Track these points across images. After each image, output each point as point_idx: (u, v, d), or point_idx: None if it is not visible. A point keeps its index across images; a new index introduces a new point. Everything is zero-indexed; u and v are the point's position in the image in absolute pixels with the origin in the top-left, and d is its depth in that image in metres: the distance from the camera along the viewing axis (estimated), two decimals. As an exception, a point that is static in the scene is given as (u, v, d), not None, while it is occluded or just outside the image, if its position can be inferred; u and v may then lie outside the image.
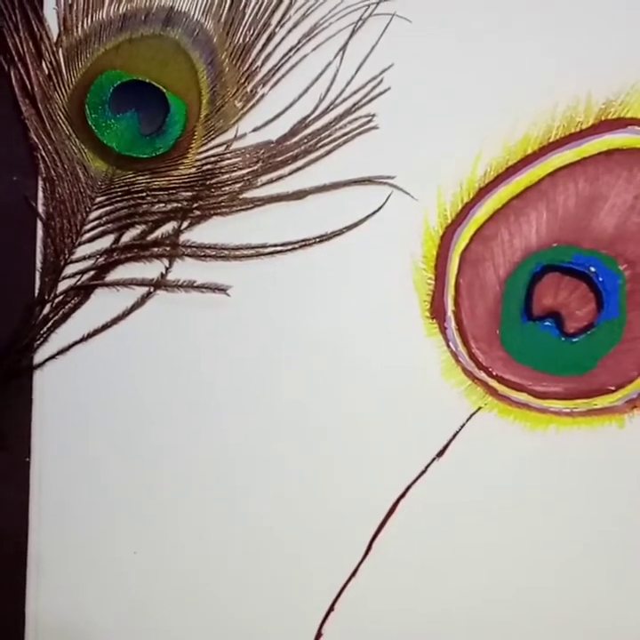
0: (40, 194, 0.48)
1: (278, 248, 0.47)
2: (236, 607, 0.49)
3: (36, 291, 0.48)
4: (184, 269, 0.48)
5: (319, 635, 0.48)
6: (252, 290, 0.48)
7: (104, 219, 0.48)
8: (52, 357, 0.49)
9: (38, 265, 0.48)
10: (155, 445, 0.50)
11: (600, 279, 0.46)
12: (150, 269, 0.48)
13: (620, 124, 0.46)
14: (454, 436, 0.47)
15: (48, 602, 0.50)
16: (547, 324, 0.47)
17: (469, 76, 0.47)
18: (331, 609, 0.49)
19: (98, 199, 0.48)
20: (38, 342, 0.48)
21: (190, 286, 0.47)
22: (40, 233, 0.48)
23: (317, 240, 0.47)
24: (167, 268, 0.48)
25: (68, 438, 0.50)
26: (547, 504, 0.48)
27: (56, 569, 0.50)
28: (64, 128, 0.48)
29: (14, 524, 0.49)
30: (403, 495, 0.48)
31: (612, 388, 0.46)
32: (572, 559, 0.48)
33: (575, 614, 0.49)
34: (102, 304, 0.48)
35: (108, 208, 0.48)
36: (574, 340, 0.47)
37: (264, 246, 0.47)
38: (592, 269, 0.46)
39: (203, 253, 0.47)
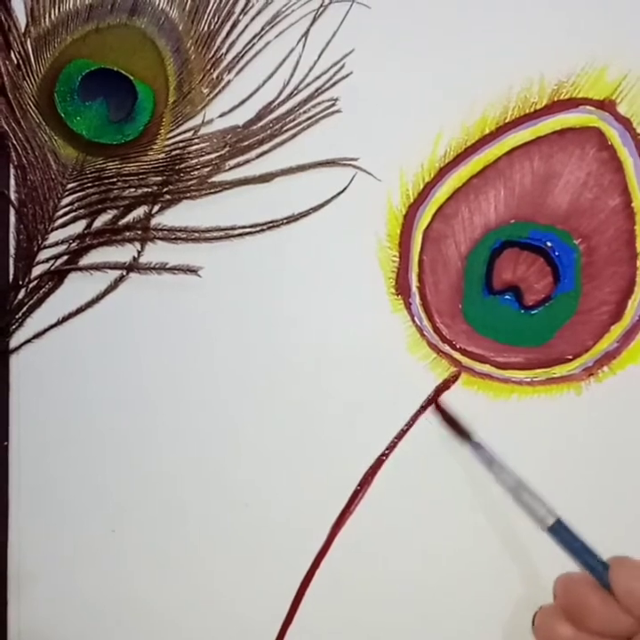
0: (12, 181, 0.49)
1: (247, 230, 0.49)
2: (216, 581, 0.51)
3: (11, 276, 0.49)
4: (156, 252, 0.50)
5: (299, 598, 0.50)
6: (223, 271, 0.50)
7: (76, 204, 0.49)
8: (28, 342, 0.50)
9: (12, 251, 0.49)
10: (132, 426, 0.51)
11: (556, 253, 0.49)
12: (122, 253, 0.50)
13: (571, 104, 0.49)
14: (421, 407, 0.49)
15: (29, 584, 0.51)
16: (507, 297, 0.49)
17: (428, 59, 0.50)
18: (308, 579, 0.50)
19: (69, 185, 0.49)
20: (14, 327, 0.50)
21: (162, 268, 0.49)
22: (13, 219, 0.49)
23: (285, 221, 0.49)
24: (139, 252, 0.49)
25: (46, 421, 0.52)
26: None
27: (36, 552, 0.52)
28: (34, 116, 0.49)
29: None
30: (374, 467, 0.50)
31: (570, 357, 0.49)
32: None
33: (540, 583, 0.51)
34: (76, 288, 0.50)
35: (79, 194, 0.49)
36: (533, 312, 0.49)
37: (233, 228, 0.49)
38: (548, 244, 0.49)
39: (174, 236, 0.49)
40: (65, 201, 0.50)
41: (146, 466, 0.51)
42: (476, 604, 0.51)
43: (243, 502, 0.51)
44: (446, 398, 0.50)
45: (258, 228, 0.50)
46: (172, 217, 0.50)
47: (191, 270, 0.49)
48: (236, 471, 0.51)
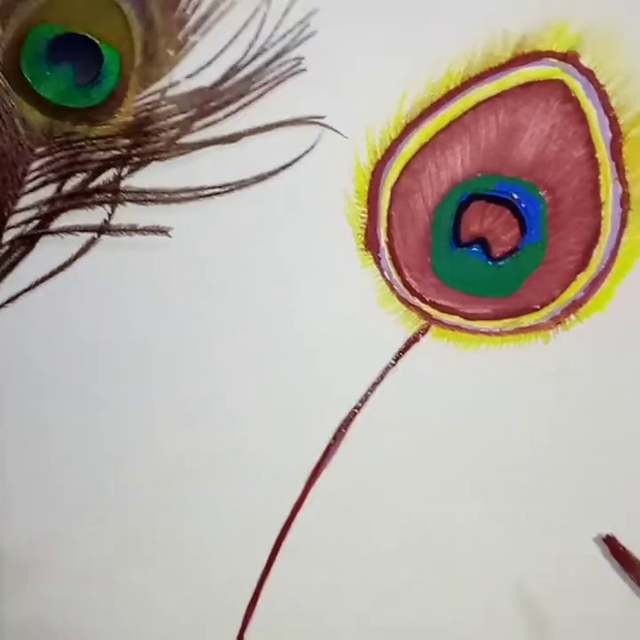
0: (-20, 147, 0.49)
1: (216, 190, 0.50)
2: (192, 535, 0.52)
3: (-17, 242, 0.50)
4: (126, 214, 0.50)
5: (275, 551, 0.51)
6: (193, 232, 0.50)
7: (45, 169, 0.50)
8: (1, 306, 0.50)
9: (-17, 217, 0.49)
10: (106, 388, 0.52)
11: (522, 205, 0.50)
12: (93, 216, 0.50)
13: (535, 57, 0.50)
14: (392, 359, 0.50)
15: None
16: (474, 249, 0.50)
17: (392, 17, 0.50)
18: (284, 532, 0.51)
19: (38, 150, 0.50)
20: (-13, 292, 0.50)
21: (133, 230, 0.49)
22: (-17, 186, 0.49)
23: (254, 180, 0.50)
24: (110, 214, 0.50)
25: (20, 387, 0.52)
26: (481, 419, 0.51)
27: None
28: (1, 82, 0.49)
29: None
30: (347, 420, 0.51)
31: (537, 307, 0.50)
32: (503, 471, 0.51)
33: (508, 528, 0.52)
34: (48, 252, 0.51)
35: (48, 158, 0.50)
36: (500, 263, 0.50)
37: (202, 189, 0.50)
38: (515, 196, 0.50)
39: (143, 198, 0.49)
40: (34, 165, 0.50)
41: (122, 426, 0.52)
42: (452, 559, 0.53)
43: (216, 457, 0.52)
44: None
45: (227, 188, 0.50)
46: (141, 179, 0.50)
47: (161, 231, 0.50)
48: (209, 428, 0.52)
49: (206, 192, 0.50)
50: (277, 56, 0.50)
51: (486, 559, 0.52)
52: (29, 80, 0.50)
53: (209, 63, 0.50)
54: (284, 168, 0.50)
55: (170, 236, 0.50)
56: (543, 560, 0.52)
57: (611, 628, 0.52)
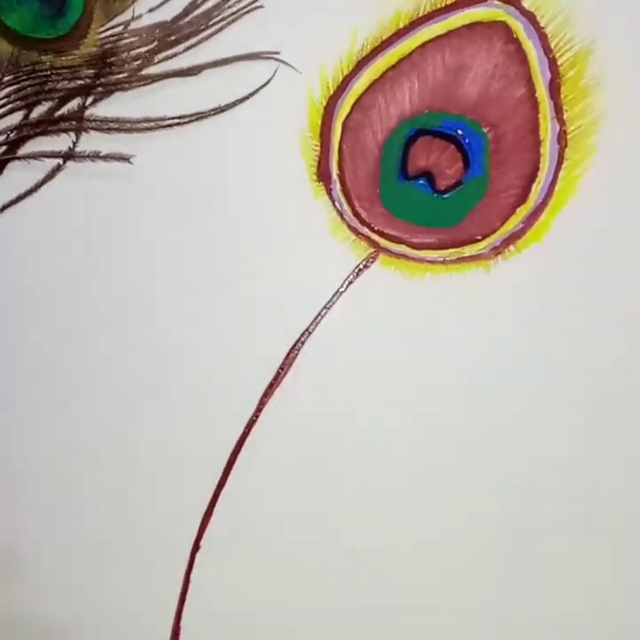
0: (-51, 75, 0.51)
1: (176, 121, 0.52)
2: (150, 445, 0.55)
3: (-48, 167, 0.52)
4: (91, 143, 0.52)
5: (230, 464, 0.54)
6: (155, 161, 0.53)
7: (12, 96, 0.52)
8: (-30, 229, 0.53)
9: (-48, 142, 0.51)
10: (69, 315, 0.54)
11: (467, 141, 0.52)
12: (59, 143, 0.52)
13: (480, -1, 0.51)
14: (342, 285, 0.53)
15: None
16: (421, 182, 0.53)
17: (347, -42, 0.52)
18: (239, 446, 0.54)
19: (5, 79, 0.52)
20: (-44, 216, 0.52)
21: (96, 156, 0.52)
22: (-48, 112, 0.51)
23: (212, 113, 0.52)
24: (74, 142, 0.52)
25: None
26: (425, 345, 0.54)
27: None
28: (-31, 13, 0.51)
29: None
30: (299, 342, 0.53)
31: (479, 238, 0.53)
32: (446, 393, 0.54)
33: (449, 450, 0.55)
34: (15, 178, 0.53)
35: (15, 87, 0.52)
36: (445, 196, 0.53)
37: (163, 119, 0.52)
38: (459, 132, 0.52)
39: (107, 127, 0.52)
40: (1, 93, 0.52)
41: (88, 343, 0.55)
42: (389, 471, 0.56)
43: (180, 370, 0.55)
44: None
45: (186, 120, 0.53)
46: (104, 108, 0.53)
47: (123, 158, 0.52)
48: (179, 348, 0.55)
49: (166, 123, 0.53)
50: (236, -7, 0.53)
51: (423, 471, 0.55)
52: (-3, 11, 0.52)
53: (170, -2, 0.53)
54: (240, 101, 0.53)
55: (131, 163, 0.53)
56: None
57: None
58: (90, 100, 0.52)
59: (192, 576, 0.56)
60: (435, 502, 0.56)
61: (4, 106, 0.52)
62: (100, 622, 0.57)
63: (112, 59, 0.52)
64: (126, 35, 0.52)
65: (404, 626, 0.57)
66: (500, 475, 0.55)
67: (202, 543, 0.56)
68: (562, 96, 0.52)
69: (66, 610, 0.57)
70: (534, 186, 0.53)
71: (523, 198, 0.54)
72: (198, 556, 0.56)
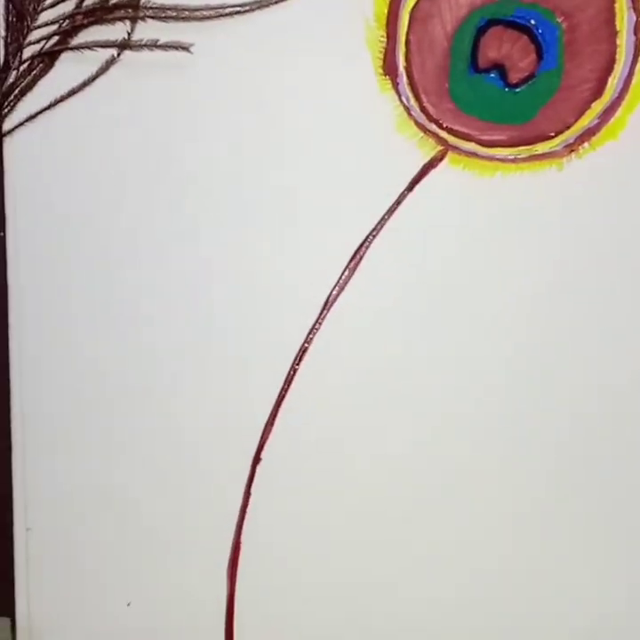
0: (-1, -40, 0.49)
1: (237, 9, 0.49)
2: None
3: (1, 58, 0.49)
4: (147, 32, 0.49)
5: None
6: (215, 52, 0.50)
7: (65, -17, 0.49)
8: (21, 125, 0.50)
9: (1, 32, 0.49)
10: (126, 215, 0.52)
11: (540, 31, 0.50)
12: (113, 33, 0.49)
13: None
14: (410, 185, 0.51)
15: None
16: (491, 75, 0.51)
17: None
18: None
19: (58, -36, 0.49)
20: (6, 111, 0.50)
21: (154, 45, 0.49)
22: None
23: (274, 1, 0.49)
24: (129, 33, 0.49)
25: (42, 211, 0.52)
26: (494, 245, 0.52)
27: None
28: None
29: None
30: (363, 245, 0.51)
31: (552, 135, 0.51)
32: (514, 292, 0.52)
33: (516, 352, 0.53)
34: (68, 71, 0.51)
35: (68, -28, 0.49)
36: (517, 90, 0.51)
37: (223, 7, 0.50)
38: (532, 22, 0.50)
39: (164, 15, 0.49)
40: (54, -21, 0.50)
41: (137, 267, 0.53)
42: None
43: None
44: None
45: (247, 7, 0.50)
46: (162, -4, 0.50)
47: (183, 47, 0.50)
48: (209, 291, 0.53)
49: (227, 11, 0.50)
50: None
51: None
52: None
53: None
54: (304, -11, 0.50)
55: (191, 53, 0.50)
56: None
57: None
58: (146, -14, 0.50)
59: (252, 489, 0.54)
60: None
61: (56, -8, 0.50)
62: (163, 536, 0.55)
63: (169, -58, 0.50)
64: None
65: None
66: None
67: (262, 455, 0.54)
68: (640, -17, 0.50)
69: (131, 525, 0.55)
70: (610, 79, 0.51)
71: (598, 92, 0.51)
72: (259, 468, 0.54)
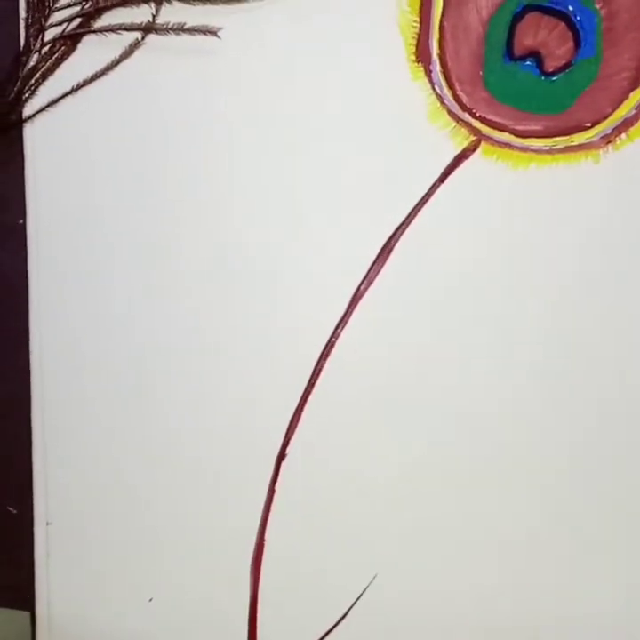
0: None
1: (265, -7, 0.48)
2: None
3: (22, 41, 0.48)
4: (173, 15, 0.48)
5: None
6: (242, 35, 0.48)
7: (88, -37, 0.47)
8: (42, 110, 0.49)
9: (22, 13, 0.47)
10: (147, 196, 0.51)
11: (578, 18, 0.49)
12: (138, 15, 0.48)
13: None
14: (442, 176, 0.49)
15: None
16: (527, 63, 0.49)
17: None
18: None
19: (80, -57, 0.47)
20: (27, 94, 0.48)
21: (180, 29, 0.48)
22: (23, -20, 0.47)
23: (304, -14, 0.48)
24: (154, 15, 0.48)
25: (63, 197, 0.51)
26: (529, 238, 0.51)
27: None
28: None
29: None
30: (393, 236, 0.50)
31: (589, 125, 0.50)
32: (549, 284, 0.51)
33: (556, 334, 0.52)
34: (91, 54, 0.49)
35: (91, -48, 0.47)
36: (553, 78, 0.49)
37: (251, -10, 0.48)
38: (570, 8, 0.49)
39: (191, -3, 0.47)
40: (77, -41, 0.48)
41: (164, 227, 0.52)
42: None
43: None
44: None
45: (277, -9, 0.49)
46: (188, -23, 0.49)
47: (210, 31, 0.48)
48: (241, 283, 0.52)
49: (256, -6, 0.48)
50: None
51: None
52: None
53: None
54: (335, -27, 0.49)
55: (219, 37, 0.48)
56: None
57: None
58: (172, -33, 0.48)
59: (277, 486, 0.53)
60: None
61: (79, -27, 0.48)
62: (185, 533, 0.54)
63: None
64: None
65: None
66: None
67: (287, 451, 0.53)
68: (683, -31, 0.49)
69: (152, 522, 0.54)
70: (650, 68, 0.50)
71: (636, 82, 0.50)
72: (283, 464, 0.53)
